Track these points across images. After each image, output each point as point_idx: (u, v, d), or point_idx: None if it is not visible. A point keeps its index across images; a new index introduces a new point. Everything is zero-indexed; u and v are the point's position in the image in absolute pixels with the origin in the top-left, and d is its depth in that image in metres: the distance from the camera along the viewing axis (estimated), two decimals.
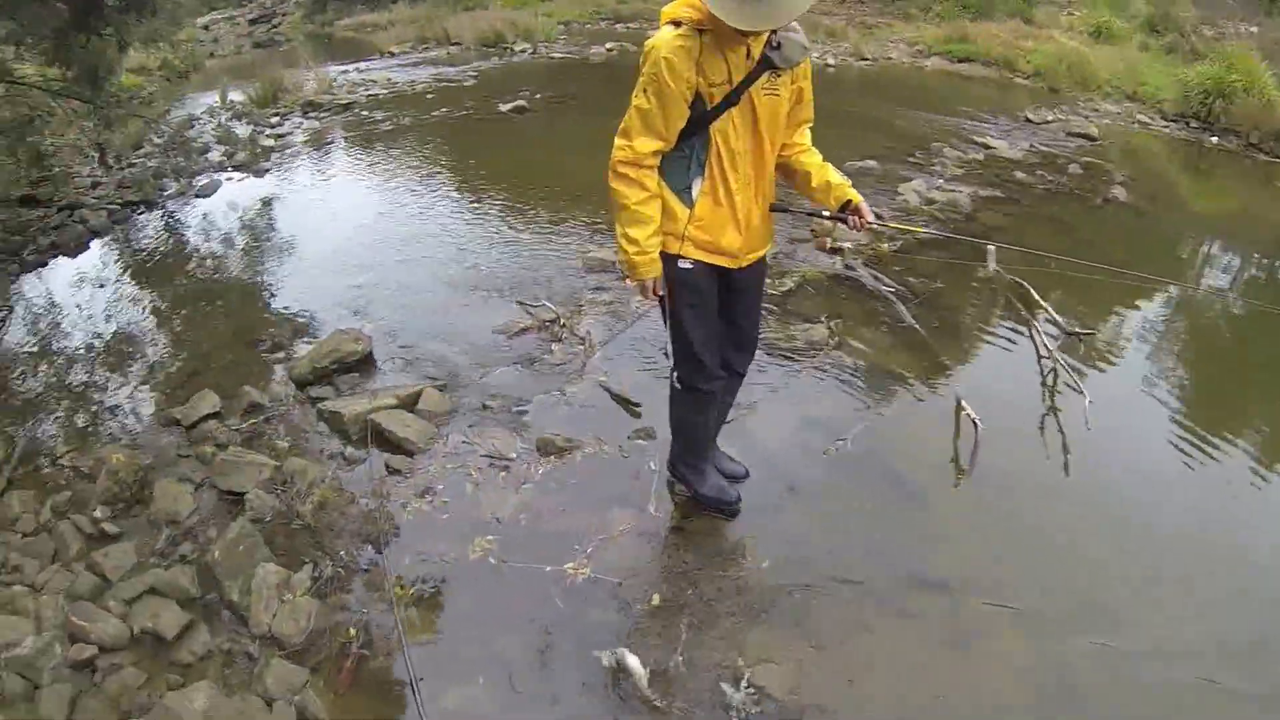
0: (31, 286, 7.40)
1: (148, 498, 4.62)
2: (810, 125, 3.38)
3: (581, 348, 5.30)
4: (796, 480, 4.15)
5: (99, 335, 6.50)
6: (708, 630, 3.38)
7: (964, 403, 4.51)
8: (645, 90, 2.97)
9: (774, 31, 2.90)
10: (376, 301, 6.45)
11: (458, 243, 7.27)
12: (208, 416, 5.18)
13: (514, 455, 4.42)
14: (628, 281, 3.29)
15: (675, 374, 3.51)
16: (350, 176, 9.64)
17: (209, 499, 4.62)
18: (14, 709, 3.58)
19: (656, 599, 3.54)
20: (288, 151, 10.78)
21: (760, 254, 3.41)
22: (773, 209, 3.40)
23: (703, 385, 3.51)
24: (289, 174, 9.94)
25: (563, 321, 5.56)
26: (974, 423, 4.43)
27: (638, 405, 4.08)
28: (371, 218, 8.13)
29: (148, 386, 5.74)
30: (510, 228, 7.40)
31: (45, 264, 7.64)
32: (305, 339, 5.97)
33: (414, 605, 3.71)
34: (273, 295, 6.92)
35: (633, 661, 3.16)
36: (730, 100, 2.98)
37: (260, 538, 4.22)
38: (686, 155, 3.10)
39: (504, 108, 11.96)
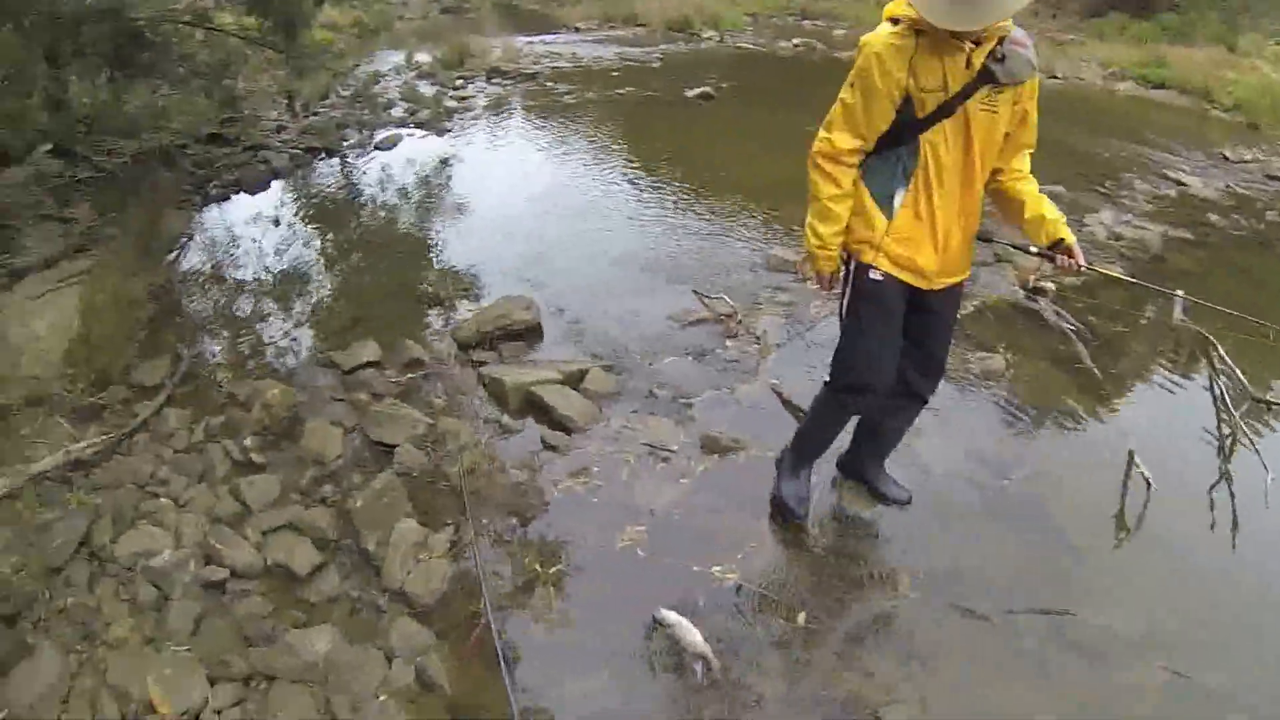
0: (211, 218, 7.70)
1: (298, 434, 4.64)
2: (1030, 151, 3.17)
3: (756, 347, 5.15)
4: (955, 514, 3.93)
5: (269, 270, 6.65)
6: (848, 658, 3.23)
7: (1138, 459, 4.24)
8: (853, 85, 2.90)
9: (1000, 43, 2.77)
10: (547, 272, 6.38)
11: (631, 223, 7.15)
12: (367, 364, 5.18)
13: (675, 448, 4.28)
14: (805, 267, 3.22)
15: (830, 376, 3.42)
16: (528, 144, 9.72)
17: (358, 446, 4.59)
18: (143, 616, 3.62)
19: (802, 618, 3.38)
20: (469, 114, 10.94)
21: (956, 280, 3.26)
22: (979, 237, 3.26)
23: (849, 400, 3.42)
24: (468, 136, 10.07)
25: (739, 318, 5.38)
26: (1146, 481, 4.16)
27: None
28: (546, 188, 8.12)
29: (310, 327, 5.81)
30: (687, 215, 7.21)
31: (227, 198, 7.90)
32: (471, 300, 5.95)
33: (552, 585, 3.59)
34: (442, 252, 6.96)
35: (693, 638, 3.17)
36: (944, 111, 2.86)
37: (405, 493, 4.17)
38: (893, 163, 2.99)
39: (689, 93, 11.86)
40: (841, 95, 2.93)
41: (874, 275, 3.09)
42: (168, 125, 7.95)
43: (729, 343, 5.22)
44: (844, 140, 2.94)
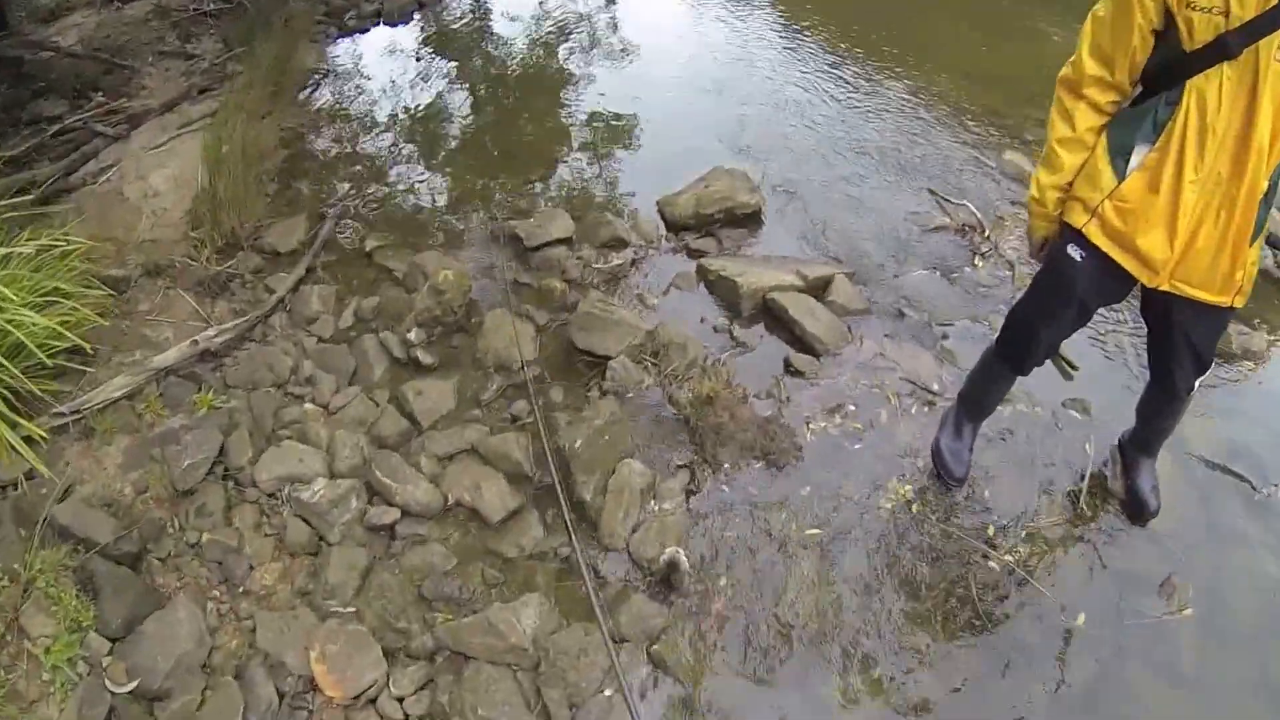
0: (348, 52, 6.95)
1: (475, 329, 3.97)
2: None
3: (1008, 274, 4.43)
4: (1215, 520, 3.35)
5: (417, 115, 5.92)
6: (1109, 676, 2.85)
7: None
8: None
9: None
10: (756, 141, 5.50)
11: (842, 99, 6.09)
12: (557, 241, 4.42)
13: (937, 387, 3.75)
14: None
15: (1001, 334, 3.06)
16: None
17: (556, 350, 3.90)
18: (296, 560, 3.10)
19: (1081, 620, 2.96)
20: None
21: (1205, 295, 2.62)
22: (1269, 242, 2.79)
23: (1006, 369, 3.13)
24: None
25: (987, 233, 4.66)
26: None
27: (1075, 368, 3.16)
28: (730, 38, 7.07)
29: (477, 185, 5.08)
30: (907, 100, 6.10)
31: (365, 30, 7.18)
32: (677, 170, 5.02)
33: (809, 550, 3.10)
34: (630, 105, 6.00)
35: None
36: (1221, 48, 2.25)
37: (626, 424, 3.45)
38: (1144, 112, 2.47)
39: None
40: (1095, 7, 2.47)
41: (1073, 252, 2.66)
42: None
43: (978, 262, 4.53)
44: (1090, 65, 2.48)
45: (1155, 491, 3.32)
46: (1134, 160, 2.49)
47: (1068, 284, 2.73)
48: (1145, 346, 2.99)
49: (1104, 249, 2.60)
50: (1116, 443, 3.48)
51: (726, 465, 3.33)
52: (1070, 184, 2.65)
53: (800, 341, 3.88)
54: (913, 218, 4.82)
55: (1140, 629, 2.95)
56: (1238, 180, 2.41)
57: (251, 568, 3.05)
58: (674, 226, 4.58)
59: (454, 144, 5.56)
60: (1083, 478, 3.37)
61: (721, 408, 3.43)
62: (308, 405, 3.60)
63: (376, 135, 5.60)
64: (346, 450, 3.37)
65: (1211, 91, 2.31)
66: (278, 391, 3.66)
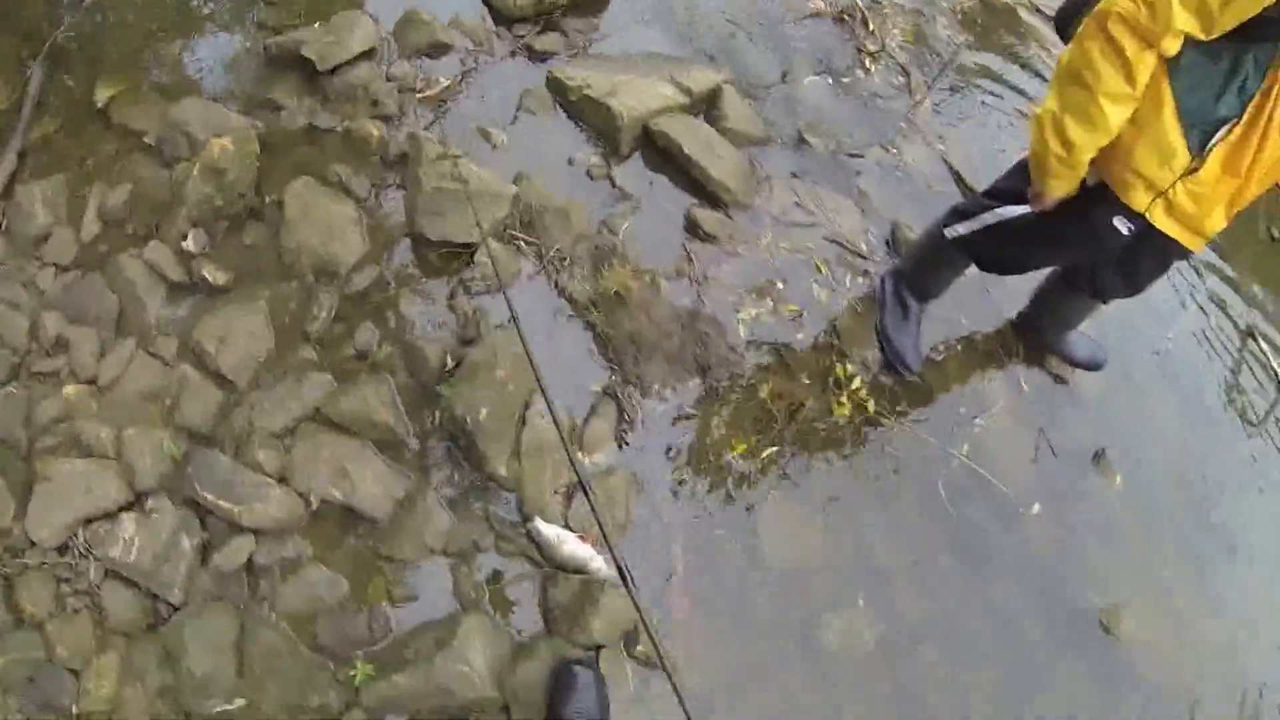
0: None
1: (274, 214, 3.02)
2: None
3: (903, 81, 4.03)
4: (1129, 375, 3.38)
5: None
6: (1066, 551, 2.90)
7: None
8: None
9: None
10: None
11: None
12: (359, 57, 3.33)
13: (864, 248, 3.34)
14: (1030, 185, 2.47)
15: (962, 231, 2.79)
16: None
17: (391, 235, 3.02)
18: (133, 644, 2.35)
19: (1037, 508, 2.94)
20: None
21: (1189, 241, 2.51)
22: None
23: (968, 263, 2.94)
24: None
25: (870, 25, 4.17)
26: None
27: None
28: None
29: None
30: None
31: None
32: None
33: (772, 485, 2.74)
34: None
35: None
36: None
37: (509, 345, 2.70)
38: (1229, 73, 2.13)
39: None
40: None
41: (1120, 225, 2.42)
42: None
43: (869, 64, 4.05)
44: (1179, 16, 2.00)
45: (1092, 341, 3.30)
46: (1218, 135, 2.20)
47: (1103, 247, 2.54)
48: None
49: (1169, 232, 2.38)
50: (1016, 325, 3.34)
51: (656, 387, 2.74)
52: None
53: (701, 189, 3.23)
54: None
55: (1083, 504, 2.98)
56: None
57: (78, 677, 2.25)
58: (506, 18, 3.58)
59: None
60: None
61: (635, 307, 2.73)
62: (68, 388, 2.63)
63: None
64: (147, 456, 2.50)
65: None
66: (19, 379, 2.65)
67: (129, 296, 2.82)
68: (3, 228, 2.98)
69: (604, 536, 1.63)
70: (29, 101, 3.26)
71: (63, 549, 2.40)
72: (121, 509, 2.46)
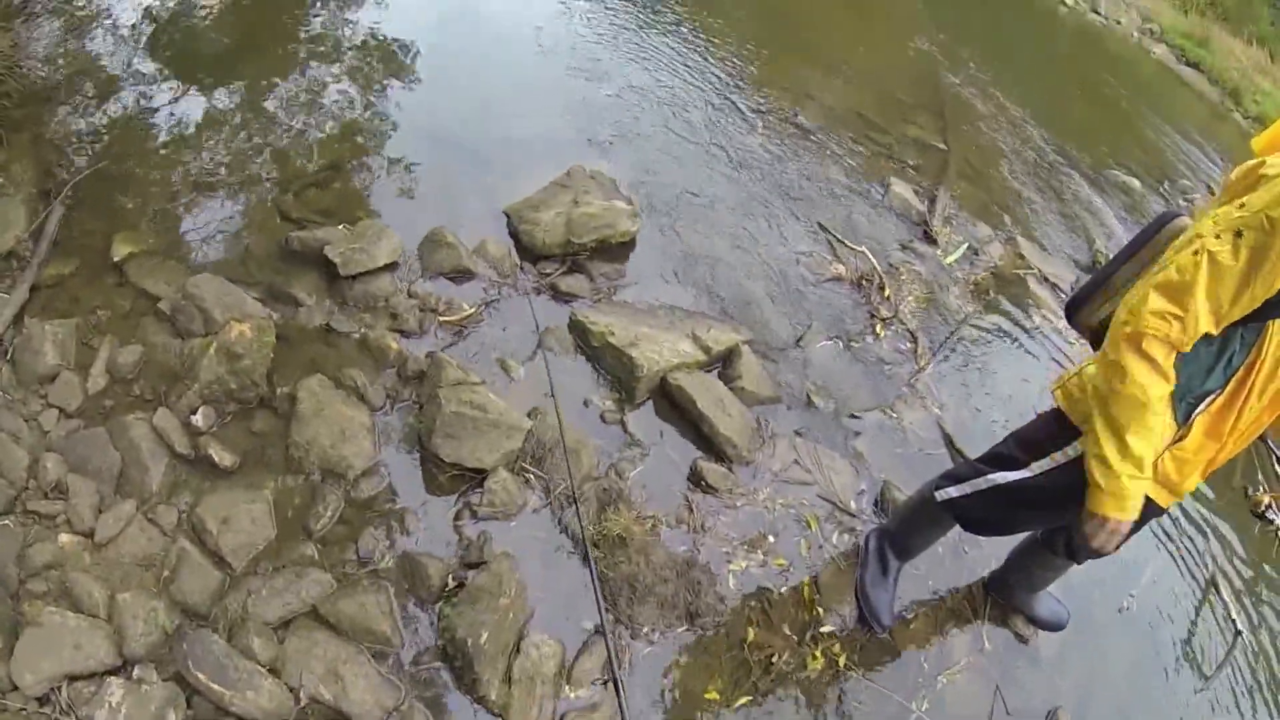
0: None
1: (286, 407, 3.07)
2: None
3: (910, 346, 4.29)
4: (1086, 633, 3.46)
5: (170, 75, 4.45)
6: None
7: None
8: (1239, 236, 2.04)
9: None
10: (621, 137, 4.82)
11: (703, 110, 5.37)
12: (382, 269, 3.48)
13: (854, 506, 3.47)
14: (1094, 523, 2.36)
15: (953, 494, 2.85)
16: None
17: (402, 447, 3.11)
18: None
19: None
20: None
21: (1161, 498, 2.58)
22: None
23: (952, 523, 2.98)
24: None
25: (885, 291, 4.47)
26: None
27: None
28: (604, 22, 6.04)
29: (260, 159, 3.95)
30: (783, 119, 5.54)
31: None
32: (521, 163, 4.25)
33: None
34: (465, 71, 4.96)
35: None
36: None
37: (514, 574, 2.78)
38: (1218, 352, 2.30)
39: None
40: (1210, 247, 2.06)
41: (1112, 518, 2.30)
42: None
43: (879, 329, 4.30)
44: (1204, 319, 2.10)
45: (1056, 605, 3.38)
46: (1203, 405, 2.34)
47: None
48: None
49: (1150, 494, 2.37)
50: (985, 588, 3.43)
51: (646, 630, 2.80)
52: None
53: (709, 442, 3.38)
54: (807, 263, 4.47)
55: None
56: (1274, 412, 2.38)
57: None
58: (532, 253, 3.79)
59: (231, 102, 4.29)
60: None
61: (635, 551, 2.86)
62: (64, 537, 2.57)
63: (113, 95, 4.16)
64: (140, 622, 2.43)
65: None
66: (15, 513, 2.60)
67: (132, 458, 2.80)
68: (9, 354, 2.96)
69: None
70: (46, 239, 3.30)
71: (44, 700, 2.29)
72: (108, 672, 2.36)
